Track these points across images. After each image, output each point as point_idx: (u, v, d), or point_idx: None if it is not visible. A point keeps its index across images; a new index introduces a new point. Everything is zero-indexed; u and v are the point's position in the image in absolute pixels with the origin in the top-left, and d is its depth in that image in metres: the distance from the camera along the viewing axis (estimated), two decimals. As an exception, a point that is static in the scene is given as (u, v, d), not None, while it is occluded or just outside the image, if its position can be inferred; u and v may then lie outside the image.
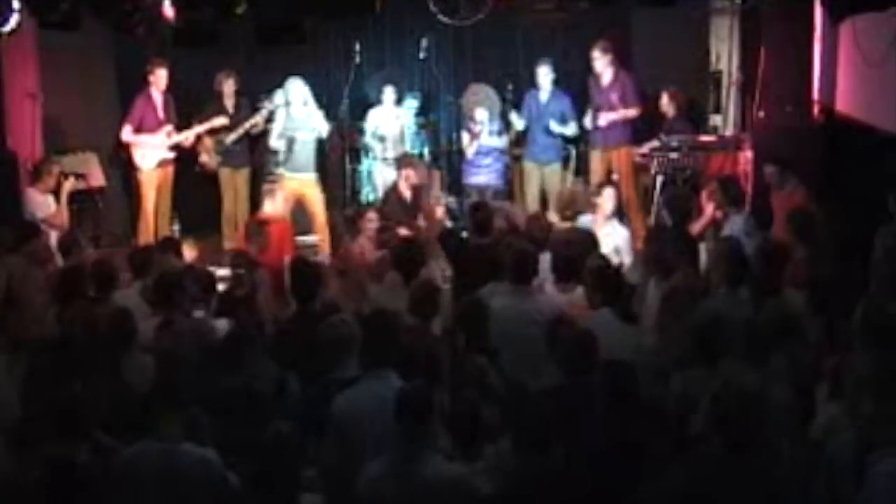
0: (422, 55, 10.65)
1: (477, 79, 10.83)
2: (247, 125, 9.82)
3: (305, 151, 9.50)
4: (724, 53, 10.12)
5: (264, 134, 10.05)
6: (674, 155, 9.31)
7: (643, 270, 6.24)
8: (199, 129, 9.79)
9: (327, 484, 4.34)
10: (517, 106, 9.97)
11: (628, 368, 4.41)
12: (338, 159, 10.42)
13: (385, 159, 9.89)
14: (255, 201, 9.91)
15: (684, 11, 9.34)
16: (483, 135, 9.76)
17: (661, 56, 10.41)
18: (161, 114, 9.70)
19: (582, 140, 10.11)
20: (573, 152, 10.28)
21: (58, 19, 7.64)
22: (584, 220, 7.64)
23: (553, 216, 8.05)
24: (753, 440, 3.77)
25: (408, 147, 10.11)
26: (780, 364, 4.68)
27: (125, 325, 5.19)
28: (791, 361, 4.70)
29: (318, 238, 9.93)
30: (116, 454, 4.11)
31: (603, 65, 9.59)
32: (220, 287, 6.64)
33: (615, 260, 6.74)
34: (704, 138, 9.70)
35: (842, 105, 8.30)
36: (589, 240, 6.81)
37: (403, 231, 8.00)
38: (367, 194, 10.14)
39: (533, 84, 9.83)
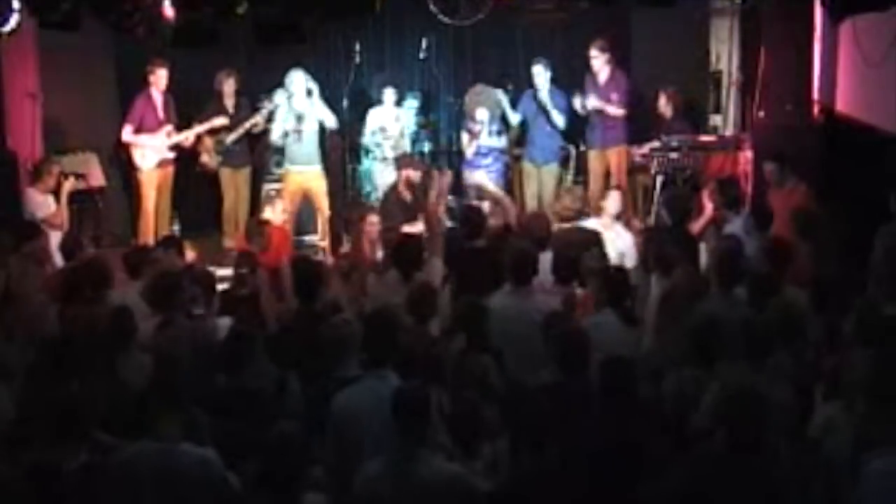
0: (422, 55, 10.65)
1: (477, 79, 10.83)
2: (247, 125, 9.82)
3: (310, 143, 9.51)
4: (724, 53, 10.13)
5: (265, 133, 10.06)
6: (674, 155, 9.33)
7: (642, 269, 6.25)
8: (200, 129, 9.80)
9: (331, 483, 4.34)
10: (513, 104, 9.97)
11: (626, 367, 4.41)
12: (338, 159, 10.42)
13: (385, 159, 9.89)
14: (256, 201, 9.94)
15: (684, 11, 9.33)
16: (483, 135, 9.77)
17: (661, 56, 10.41)
18: (161, 114, 9.70)
19: (581, 140, 10.14)
20: (573, 153, 10.29)
21: (58, 19, 7.62)
22: (590, 223, 7.66)
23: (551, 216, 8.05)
24: (757, 441, 3.78)
25: (408, 147, 10.11)
26: (785, 363, 4.68)
27: (124, 324, 5.19)
28: (795, 360, 4.70)
29: (319, 237, 9.96)
30: (115, 454, 4.10)
31: (600, 63, 9.69)
32: (220, 287, 6.65)
33: (619, 263, 6.74)
34: (704, 138, 9.72)
35: (842, 105, 8.30)
36: (592, 240, 6.80)
37: (405, 229, 8.01)
38: (368, 194, 10.13)
39: (532, 84, 9.85)
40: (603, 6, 9.73)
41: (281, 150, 9.94)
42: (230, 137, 9.83)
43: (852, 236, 6.71)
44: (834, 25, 8.14)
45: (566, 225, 7.26)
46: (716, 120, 10.30)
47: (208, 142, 9.86)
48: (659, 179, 9.35)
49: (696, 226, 7.61)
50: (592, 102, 9.65)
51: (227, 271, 7.48)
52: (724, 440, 3.89)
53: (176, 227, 10.00)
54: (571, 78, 10.16)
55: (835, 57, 8.32)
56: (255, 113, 9.84)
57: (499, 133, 9.91)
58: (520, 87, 10.24)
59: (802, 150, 8.05)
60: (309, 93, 9.44)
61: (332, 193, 9.92)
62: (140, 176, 9.70)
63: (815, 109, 8.51)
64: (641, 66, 10.63)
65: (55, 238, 7.51)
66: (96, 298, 5.95)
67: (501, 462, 4.24)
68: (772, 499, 3.79)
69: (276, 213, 8.19)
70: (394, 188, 8.89)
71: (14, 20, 8.06)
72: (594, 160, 9.93)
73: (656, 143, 9.49)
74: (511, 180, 10.33)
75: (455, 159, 10.67)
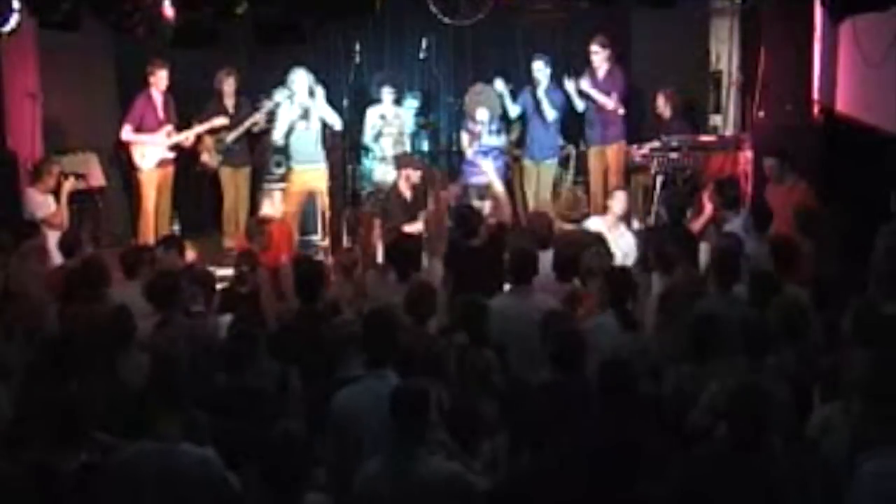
0: (422, 55, 10.65)
1: (477, 79, 10.83)
2: (247, 123, 9.82)
3: (313, 142, 9.52)
4: (724, 53, 10.13)
5: (265, 133, 10.06)
6: (674, 155, 9.35)
7: (641, 268, 6.26)
8: (200, 128, 9.80)
9: (331, 483, 4.34)
10: (513, 95, 9.98)
11: (625, 366, 4.41)
12: (338, 159, 10.42)
13: (384, 159, 9.89)
14: (256, 200, 9.94)
15: (684, 11, 9.34)
16: (483, 135, 9.79)
17: (661, 56, 10.41)
18: (161, 114, 9.70)
19: (581, 139, 10.15)
20: (573, 152, 10.30)
21: (58, 19, 7.62)
22: (594, 222, 7.67)
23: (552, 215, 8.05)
24: (758, 439, 3.78)
25: (407, 147, 10.11)
26: (789, 362, 4.68)
27: (123, 324, 5.18)
28: (799, 359, 4.70)
29: (320, 237, 9.97)
30: (115, 454, 4.10)
31: (600, 59, 9.75)
32: (220, 287, 6.65)
33: (623, 263, 6.74)
34: (704, 138, 9.73)
35: (842, 105, 8.30)
36: (594, 240, 6.80)
37: (406, 228, 8.02)
38: (368, 194, 10.13)
39: (531, 82, 9.86)
40: (603, 6, 9.74)
41: (281, 150, 9.94)
42: (230, 137, 9.83)
43: (853, 236, 6.71)
44: (834, 25, 8.14)
45: (568, 226, 7.26)
46: (716, 120, 10.30)
47: (208, 141, 9.86)
48: (659, 179, 9.36)
49: (696, 225, 7.62)
50: (584, 85, 9.67)
51: (227, 271, 7.48)
52: (725, 438, 3.89)
53: (176, 227, 10.00)
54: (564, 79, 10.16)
55: (835, 57, 8.32)
56: (256, 112, 9.84)
57: (498, 132, 9.92)
58: (519, 86, 10.23)
59: (802, 150, 8.05)
60: (311, 92, 9.44)
61: (332, 193, 9.93)
62: (140, 176, 9.70)
63: (815, 109, 8.52)
64: (641, 65, 10.63)
65: (55, 238, 7.50)
66: (96, 298, 5.95)
67: (501, 460, 4.24)
68: (770, 499, 3.78)
69: (275, 207, 8.19)
70: (394, 188, 8.89)
71: (14, 20, 8.06)
72: (594, 158, 9.98)
73: (656, 143, 9.51)
74: (511, 180, 10.33)
75: (455, 159, 10.67)
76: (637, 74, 10.48)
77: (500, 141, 9.93)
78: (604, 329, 5.24)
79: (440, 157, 10.80)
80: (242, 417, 4.51)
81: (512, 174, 10.33)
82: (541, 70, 9.75)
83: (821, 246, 6.40)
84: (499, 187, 7.83)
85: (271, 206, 8.16)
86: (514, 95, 10.02)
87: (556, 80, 9.88)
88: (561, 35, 10.84)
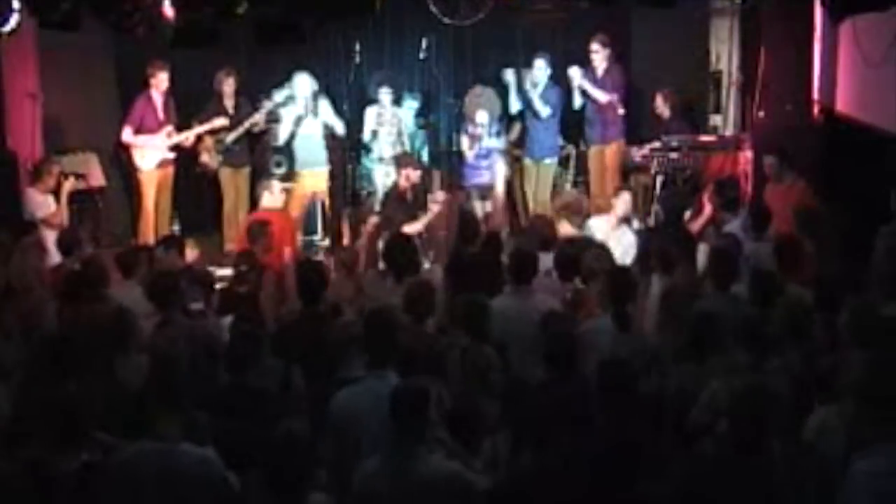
0: (422, 55, 10.65)
1: (477, 79, 10.83)
2: (247, 124, 9.82)
3: (318, 145, 9.53)
4: (724, 53, 10.13)
5: (265, 133, 10.06)
6: (674, 155, 9.36)
7: (640, 268, 6.25)
8: (200, 129, 9.80)
9: (332, 483, 4.34)
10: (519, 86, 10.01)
11: (625, 365, 4.41)
12: (338, 159, 10.42)
13: (382, 159, 9.89)
14: (256, 201, 9.93)
15: (684, 11, 9.34)
16: (483, 137, 9.81)
17: (661, 56, 10.42)
18: (161, 115, 9.70)
19: (581, 139, 10.16)
20: (573, 152, 10.30)
21: (58, 19, 7.63)
22: (596, 222, 7.68)
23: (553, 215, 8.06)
24: (759, 440, 3.77)
25: (405, 147, 10.10)
26: (794, 362, 4.68)
27: (122, 325, 5.17)
28: (804, 359, 4.70)
29: (320, 237, 9.97)
30: (115, 454, 4.10)
31: (600, 58, 9.76)
32: (219, 287, 6.64)
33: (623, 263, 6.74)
34: (704, 138, 9.74)
35: (842, 105, 8.30)
36: (596, 243, 6.79)
37: (406, 229, 8.02)
38: (368, 194, 10.13)
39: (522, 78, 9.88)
40: (603, 6, 9.75)
41: (281, 150, 9.94)
42: (230, 137, 9.83)
43: (852, 235, 6.71)
44: (834, 25, 8.14)
45: (571, 230, 7.27)
46: (716, 120, 10.31)
47: (208, 141, 9.86)
48: (659, 179, 9.37)
49: (696, 225, 7.62)
50: (584, 82, 9.69)
51: (227, 271, 7.47)
52: (726, 437, 3.89)
53: (176, 228, 10.00)
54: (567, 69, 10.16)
55: (835, 57, 8.32)
56: (256, 112, 9.84)
57: (498, 134, 9.93)
58: (519, 87, 10.22)
59: (802, 150, 8.05)
60: (315, 96, 9.46)
61: (333, 193, 9.93)
62: (140, 176, 9.70)
63: (815, 109, 8.51)
64: (641, 65, 10.64)
65: (54, 238, 7.50)
66: (96, 298, 5.95)
67: (501, 459, 4.24)
68: (770, 499, 3.78)
69: (275, 197, 8.14)
70: (394, 188, 8.90)
71: (14, 20, 8.06)
72: (593, 157, 10.00)
73: (656, 143, 9.52)
74: (511, 180, 10.34)
75: (455, 160, 10.68)
76: (637, 74, 10.48)
77: (500, 143, 9.94)
78: (601, 331, 5.24)
79: (440, 158, 10.80)
80: (245, 418, 4.50)
81: (512, 174, 10.33)
82: (542, 69, 9.76)
83: (821, 246, 6.40)
84: (500, 192, 7.85)
85: (271, 198, 8.11)
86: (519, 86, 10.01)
87: (556, 78, 9.88)
88: (561, 35, 10.84)
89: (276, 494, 3.73)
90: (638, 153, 9.70)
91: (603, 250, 6.41)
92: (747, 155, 8.97)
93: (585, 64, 9.89)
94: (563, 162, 10.25)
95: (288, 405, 4.72)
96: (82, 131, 10.07)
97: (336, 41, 10.87)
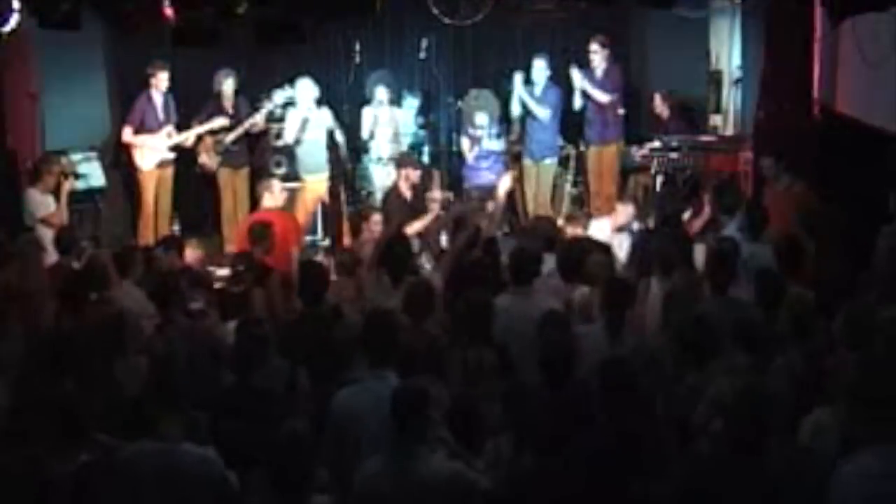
0: (422, 55, 10.65)
1: (477, 78, 10.84)
2: (246, 125, 9.82)
3: (321, 151, 9.54)
4: (724, 53, 10.13)
5: (264, 134, 10.05)
6: (674, 155, 9.37)
7: (636, 271, 6.24)
8: (200, 129, 9.80)
9: (332, 483, 4.34)
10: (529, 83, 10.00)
11: (626, 366, 4.41)
12: (337, 160, 10.42)
13: (380, 159, 9.89)
14: (256, 201, 9.93)
15: (684, 11, 9.35)
16: (483, 139, 9.82)
17: (661, 56, 10.42)
18: (161, 115, 9.71)
19: (580, 139, 10.17)
20: (572, 153, 10.31)
21: (58, 19, 7.63)
22: (596, 223, 7.68)
23: (551, 215, 8.07)
24: (759, 441, 3.77)
25: (404, 147, 10.10)
26: (795, 362, 4.67)
27: (120, 325, 5.17)
28: (806, 359, 4.70)
29: (320, 237, 9.97)
30: (115, 454, 4.10)
31: (599, 58, 9.78)
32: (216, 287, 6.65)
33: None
34: (704, 138, 9.74)
35: (842, 105, 8.29)
36: (599, 246, 6.78)
37: (407, 229, 8.02)
38: (368, 194, 10.13)
39: (530, 82, 9.87)
40: (603, 6, 9.75)
41: (281, 151, 9.94)
42: (229, 137, 9.83)
43: (852, 236, 6.70)
44: (834, 25, 8.13)
45: (574, 231, 7.27)
46: (716, 120, 10.31)
47: (208, 142, 9.86)
48: (659, 179, 9.38)
49: (695, 226, 7.62)
50: (584, 83, 9.69)
51: (227, 271, 7.46)
52: (724, 436, 3.88)
53: (176, 228, 10.00)
54: (570, 78, 10.16)
55: (835, 57, 8.31)
56: (255, 113, 9.85)
57: (498, 135, 9.95)
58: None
59: (802, 150, 8.05)
60: (319, 102, 9.47)
61: (333, 193, 9.93)
62: (140, 176, 9.70)
63: (815, 109, 8.51)
64: (641, 65, 10.65)
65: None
66: (99, 298, 5.95)
67: (504, 459, 4.23)
68: (768, 499, 3.78)
69: (275, 197, 8.12)
70: (394, 188, 8.90)
71: (14, 20, 8.07)
72: (593, 158, 10.02)
73: (656, 143, 9.53)
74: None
75: (455, 160, 10.68)
76: (636, 74, 10.48)
77: (500, 145, 9.95)
78: (589, 338, 5.21)
79: (440, 158, 10.80)
80: (250, 418, 4.50)
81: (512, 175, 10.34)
82: (541, 70, 9.76)
83: (822, 246, 6.39)
84: (501, 196, 7.84)
85: (272, 198, 8.09)
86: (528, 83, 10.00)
87: (555, 77, 9.88)
88: (561, 35, 10.85)
89: (279, 494, 3.73)
90: (638, 153, 9.70)
91: (605, 255, 6.40)
92: (747, 155, 8.96)
93: (585, 64, 9.90)
94: (563, 162, 10.26)
95: (293, 406, 4.72)
96: (82, 131, 10.07)
97: (336, 41, 10.88)
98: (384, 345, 4.61)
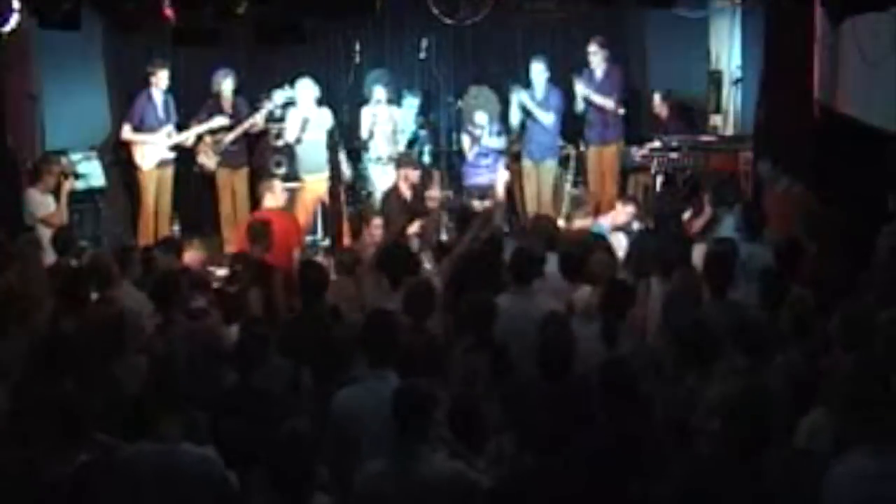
0: (422, 55, 10.65)
1: (477, 79, 10.84)
2: (245, 125, 9.82)
3: (321, 151, 9.55)
4: (724, 53, 10.13)
5: (264, 134, 10.05)
6: (674, 155, 9.37)
7: (633, 271, 6.23)
8: (200, 129, 9.80)
9: (333, 483, 4.34)
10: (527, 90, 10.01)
11: (626, 367, 4.41)
12: (337, 159, 10.43)
13: (379, 158, 9.89)
14: (258, 201, 9.93)
15: (684, 11, 9.35)
16: (483, 137, 9.81)
17: (661, 56, 10.42)
18: (161, 113, 9.71)
19: (580, 139, 10.17)
20: (572, 152, 10.31)
21: (58, 19, 7.63)
22: (599, 224, 7.69)
23: (552, 215, 8.07)
24: (759, 444, 3.77)
25: (402, 147, 10.09)
26: (795, 361, 4.67)
27: (120, 325, 5.16)
28: (806, 359, 4.69)
29: (320, 237, 9.97)
30: (115, 454, 4.10)
31: (599, 60, 9.78)
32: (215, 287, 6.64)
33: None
34: (704, 138, 9.75)
35: (842, 105, 8.29)
36: (601, 245, 6.78)
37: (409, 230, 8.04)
38: (368, 194, 10.14)
39: (530, 83, 9.88)
40: (603, 6, 9.76)
41: (281, 150, 9.93)
42: (228, 137, 9.83)
43: (852, 236, 6.70)
44: (834, 25, 8.13)
45: (577, 223, 7.28)
46: (716, 120, 10.31)
47: (208, 141, 9.86)
48: (659, 179, 9.38)
49: (696, 226, 7.62)
50: (587, 91, 9.71)
51: (226, 272, 7.46)
52: (723, 439, 3.88)
53: (176, 228, 10.00)
54: (571, 78, 10.16)
55: (835, 57, 8.31)
56: (255, 113, 9.85)
57: (499, 134, 9.94)
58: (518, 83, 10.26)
59: (802, 150, 8.05)
60: (319, 102, 9.48)
61: (333, 194, 9.93)
62: (140, 176, 9.71)
63: (815, 109, 8.50)
64: (641, 65, 10.65)
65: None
66: (100, 298, 5.95)
67: (506, 459, 4.23)
68: (767, 499, 3.78)
69: (276, 197, 8.11)
70: (394, 188, 8.90)
71: (14, 20, 8.07)
72: (593, 158, 10.02)
73: (656, 143, 9.53)
74: (511, 180, 10.34)
75: (455, 159, 10.68)
76: (636, 74, 10.48)
77: (500, 143, 9.94)
78: (588, 339, 5.20)
79: (440, 157, 10.80)
80: (251, 418, 4.50)
81: (512, 176, 10.33)
82: (540, 73, 9.75)
83: (822, 247, 6.39)
84: (500, 193, 7.86)
85: (273, 198, 8.08)
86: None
87: (556, 80, 9.88)
88: (561, 35, 10.86)
89: (279, 494, 3.73)
90: (638, 153, 9.71)
91: (608, 254, 6.39)
92: (747, 155, 8.96)
93: (584, 65, 9.90)
94: (563, 162, 10.26)
95: (297, 406, 4.72)
96: (82, 131, 10.07)
97: (336, 41, 10.88)
98: (384, 345, 4.61)
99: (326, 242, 9.96)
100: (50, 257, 7.07)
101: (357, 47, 10.43)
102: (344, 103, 10.44)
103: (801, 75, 8.45)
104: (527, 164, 10.05)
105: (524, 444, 4.07)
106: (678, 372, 4.87)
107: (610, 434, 4.04)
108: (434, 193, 9.34)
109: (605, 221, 7.79)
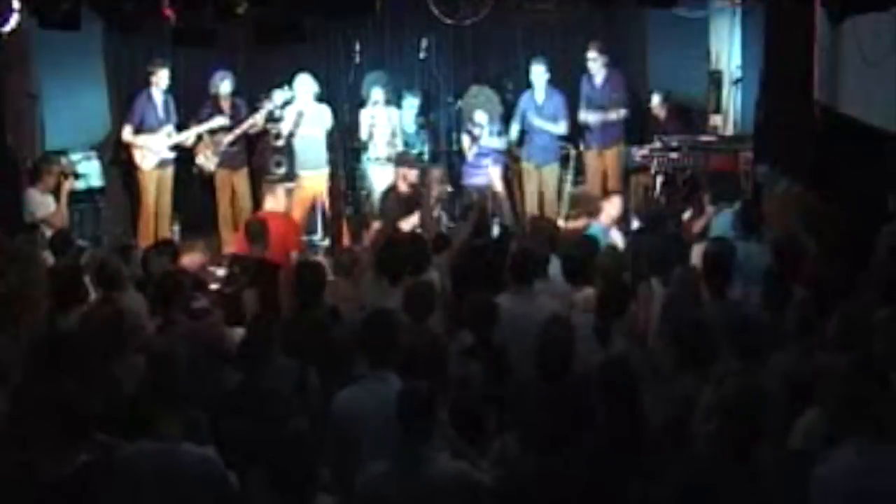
0: (422, 55, 10.65)
1: (477, 79, 10.84)
2: (245, 125, 9.82)
3: (319, 148, 9.54)
4: (724, 53, 10.14)
5: (264, 134, 10.05)
6: (674, 155, 9.38)
7: (631, 272, 6.24)
8: (199, 129, 9.79)
9: (334, 483, 4.34)
10: (514, 103, 9.97)
11: (627, 366, 4.41)
12: (338, 159, 10.44)
13: (378, 159, 9.89)
14: (258, 203, 9.93)
15: (684, 11, 9.35)
16: (483, 136, 9.81)
17: (661, 56, 10.43)
18: (161, 114, 9.71)
19: (580, 140, 10.17)
20: (572, 153, 10.31)
21: (58, 19, 7.62)
22: (594, 226, 7.68)
23: (554, 216, 8.07)
24: (755, 444, 3.78)
25: (400, 147, 10.09)
26: (795, 360, 4.67)
27: (120, 325, 5.16)
28: (806, 359, 4.69)
29: (320, 237, 9.97)
30: (115, 453, 4.10)
31: (598, 65, 9.78)
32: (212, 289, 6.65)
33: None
34: (704, 138, 9.75)
35: (842, 105, 8.29)
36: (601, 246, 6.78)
37: (402, 224, 8.02)
38: (367, 194, 10.14)
39: (531, 84, 9.88)
40: (603, 7, 9.75)
41: (281, 151, 9.93)
42: (227, 138, 9.83)
43: (852, 236, 6.70)
44: (834, 25, 8.13)
45: (578, 223, 7.27)
46: (716, 120, 10.32)
47: (207, 141, 9.86)
48: (659, 179, 9.39)
49: (697, 226, 7.61)
50: (593, 118, 9.70)
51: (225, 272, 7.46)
52: (719, 439, 3.89)
53: (176, 228, 10.00)
54: (571, 78, 10.17)
55: (835, 57, 8.31)
56: (255, 113, 9.84)
57: (499, 133, 9.94)
58: (519, 86, 10.26)
59: (802, 150, 8.05)
60: (319, 98, 9.47)
61: (332, 194, 9.94)
62: (140, 176, 9.71)
63: (815, 109, 8.50)
64: (640, 66, 10.65)
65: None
66: (102, 297, 5.94)
67: (509, 459, 4.23)
68: (765, 499, 3.78)
69: (277, 201, 8.11)
70: (393, 188, 8.90)
71: (14, 20, 8.07)
72: (593, 159, 10.03)
73: (656, 144, 9.54)
74: (511, 180, 10.35)
75: (455, 159, 10.68)
76: (636, 75, 10.48)
77: (500, 143, 9.94)
78: (581, 341, 5.20)
79: (440, 157, 10.80)
80: (253, 418, 4.50)
81: (512, 175, 10.34)
82: (540, 75, 9.74)
83: (822, 247, 6.39)
84: (500, 191, 7.87)
85: (274, 202, 8.08)
86: (515, 102, 10.00)
87: (556, 81, 9.88)
88: (560, 36, 10.85)
89: (279, 495, 3.72)
90: (638, 153, 9.71)
91: (610, 257, 6.38)
92: (747, 155, 8.97)
93: (584, 67, 9.89)
94: (563, 162, 10.26)
95: (303, 406, 4.71)
96: (82, 131, 10.07)
97: (336, 41, 10.87)
98: (384, 345, 4.60)
99: (326, 243, 9.96)
100: (51, 258, 7.08)
101: (357, 47, 10.43)
102: (344, 103, 10.44)
103: (801, 75, 8.45)
104: (527, 166, 10.05)
105: (528, 443, 4.06)
106: (677, 373, 4.87)
107: (609, 434, 4.04)
108: (433, 189, 9.35)
109: (600, 221, 7.77)
